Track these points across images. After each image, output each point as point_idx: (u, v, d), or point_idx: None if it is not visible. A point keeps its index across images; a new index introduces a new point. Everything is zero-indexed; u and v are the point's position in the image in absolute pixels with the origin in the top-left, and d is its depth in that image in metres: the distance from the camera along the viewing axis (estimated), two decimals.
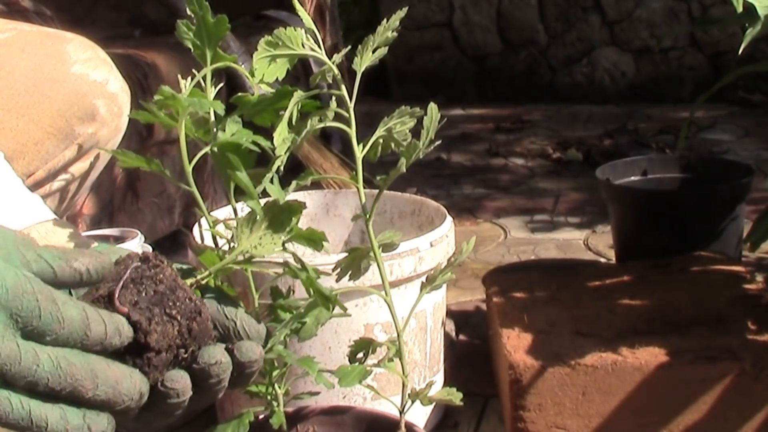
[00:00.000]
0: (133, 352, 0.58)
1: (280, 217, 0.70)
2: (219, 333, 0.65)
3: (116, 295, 0.59)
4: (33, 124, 1.00)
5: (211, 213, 0.77)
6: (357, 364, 0.79)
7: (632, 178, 1.67)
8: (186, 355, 0.60)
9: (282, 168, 0.74)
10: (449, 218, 1.24)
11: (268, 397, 0.80)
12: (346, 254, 0.78)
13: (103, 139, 1.06)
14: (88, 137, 1.04)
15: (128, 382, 0.57)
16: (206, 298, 0.65)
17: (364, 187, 0.76)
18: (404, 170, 0.74)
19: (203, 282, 0.67)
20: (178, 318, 0.60)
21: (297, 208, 0.71)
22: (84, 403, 0.55)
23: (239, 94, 0.74)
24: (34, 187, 1.03)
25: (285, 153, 0.73)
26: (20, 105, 0.99)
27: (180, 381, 0.59)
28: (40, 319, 0.53)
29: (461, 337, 1.53)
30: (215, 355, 0.60)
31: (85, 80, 1.03)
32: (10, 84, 0.99)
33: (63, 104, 1.01)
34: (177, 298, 0.61)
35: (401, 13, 0.73)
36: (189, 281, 0.65)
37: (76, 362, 0.54)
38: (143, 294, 0.60)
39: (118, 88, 1.07)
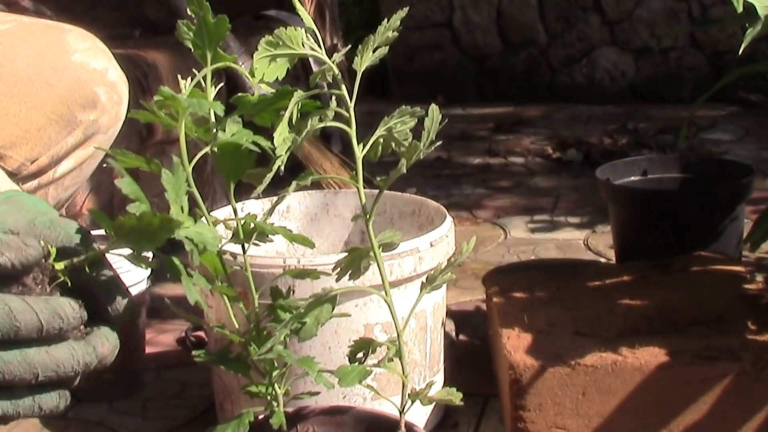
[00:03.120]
0: None
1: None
2: (88, 299, 0.65)
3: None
4: (36, 110, 1.01)
5: (211, 213, 0.77)
6: (357, 364, 0.79)
7: (632, 178, 1.67)
8: None
9: (282, 168, 0.74)
10: (449, 218, 1.24)
11: (268, 397, 0.80)
12: (346, 254, 0.78)
13: (104, 127, 1.07)
14: (89, 124, 1.05)
15: (70, 362, 0.61)
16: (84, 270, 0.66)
17: (364, 187, 0.76)
18: (404, 171, 0.74)
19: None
20: None
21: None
22: (32, 387, 0.60)
23: (239, 94, 0.74)
24: (38, 173, 1.04)
25: (285, 153, 0.73)
26: (23, 92, 1.00)
27: None
28: None
29: (461, 337, 1.53)
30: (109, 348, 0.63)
31: (85, 68, 1.04)
32: (13, 72, 1.00)
33: (65, 91, 1.03)
34: None
35: (402, 13, 0.73)
36: (64, 263, 0.65)
37: (12, 360, 0.58)
38: None
39: (117, 77, 1.08)
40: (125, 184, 0.67)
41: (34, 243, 0.61)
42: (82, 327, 0.65)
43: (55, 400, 0.62)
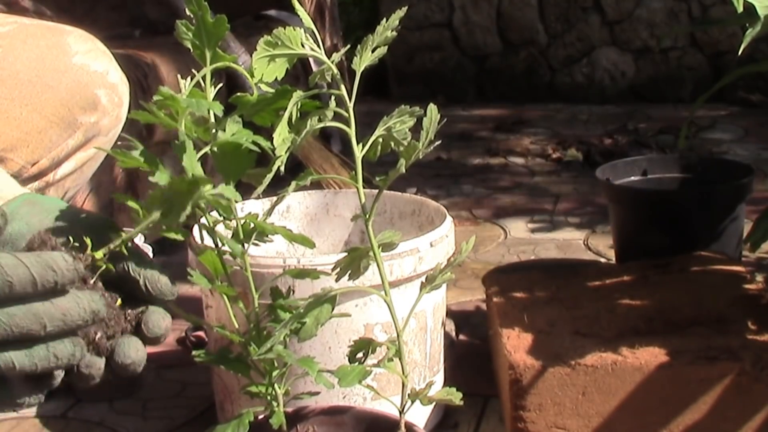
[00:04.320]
0: None
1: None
2: (129, 287, 0.69)
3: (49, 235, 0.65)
4: (36, 113, 1.01)
5: (211, 213, 0.77)
6: (357, 364, 0.79)
7: (632, 178, 1.67)
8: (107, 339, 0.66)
9: (282, 168, 0.74)
10: (449, 218, 1.24)
11: (268, 397, 0.80)
12: (346, 254, 0.78)
13: (104, 129, 1.07)
14: (90, 126, 1.05)
15: (77, 309, 0.62)
16: (120, 258, 0.68)
17: (364, 187, 0.76)
18: (404, 171, 0.74)
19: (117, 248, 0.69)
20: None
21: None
22: (42, 339, 0.62)
23: (239, 93, 0.74)
24: (38, 176, 1.04)
25: (285, 153, 0.73)
26: (24, 95, 1.00)
27: (94, 366, 0.66)
28: None
29: (461, 337, 1.53)
30: (130, 355, 0.67)
31: (86, 71, 1.04)
32: (14, 74, 1.00)
33: (65, 94, 1.03)
34: None
35: (401, 13, 0.73)
36: (102, 251, 0.67)
37: (17, 312, 0.60)
38: None
39: (118, 78, 1.08)
40: (143, 156, 0.69)
41: None
42: (130, 312, 0.69)
43: (69, 348, 0.63)
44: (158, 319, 0.68)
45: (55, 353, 0.63)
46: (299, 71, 2.49)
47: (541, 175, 2.62)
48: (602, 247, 1.97)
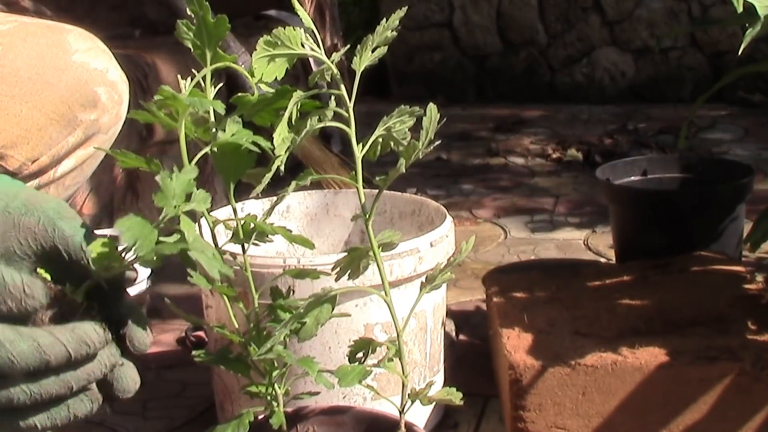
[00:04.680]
0: None
1: None
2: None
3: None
4: (36, 110, 1.01)
5: (211, 213, 0.77)
6: (357, 364, 0.79)
7: (632, 178, 1.67)
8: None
9: (282, 168, 0.74)
10: (449, 218, 1.24)
11: (268, 397, 0.80)
12: (346, 254, 0.78)
13: (104, 126, 1.07)
14: (90, 124, 1.05)
15: (99, 367, 0.64)
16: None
17: (364, 187, 0.76)
18: (404, 170, 0.74)
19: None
20: None
21: None
22: (66, 398, 0.64)
23: (239, 94, 0.74)
24: (38, 173, 1.04)
25: (285, 153, 0.73)
26: (24, 92, 1.00)
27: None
28: None
29: (461, 337, 1.53)
30: (129, 389, 0.68)
31: (86, 68, 1.04)
32: (14, 72, 1.00)
33: (65, 91, 1.03)
34: None
35: (401, 13, 0.72)
36: (81, 292, 0.65)
37: (48, 383, 0.62)
38: None
39: (118, 77, 1.08)
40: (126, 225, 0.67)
41: (37, 290, 0.62)
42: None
43: (88, 405, 0.66)
44: (143, 336, 0.67)
45: (75, 412, 0.65)
46: (299, 71, 2.49)
47: (541, 175, 2.62)
48: (602, 247, 1.97)
